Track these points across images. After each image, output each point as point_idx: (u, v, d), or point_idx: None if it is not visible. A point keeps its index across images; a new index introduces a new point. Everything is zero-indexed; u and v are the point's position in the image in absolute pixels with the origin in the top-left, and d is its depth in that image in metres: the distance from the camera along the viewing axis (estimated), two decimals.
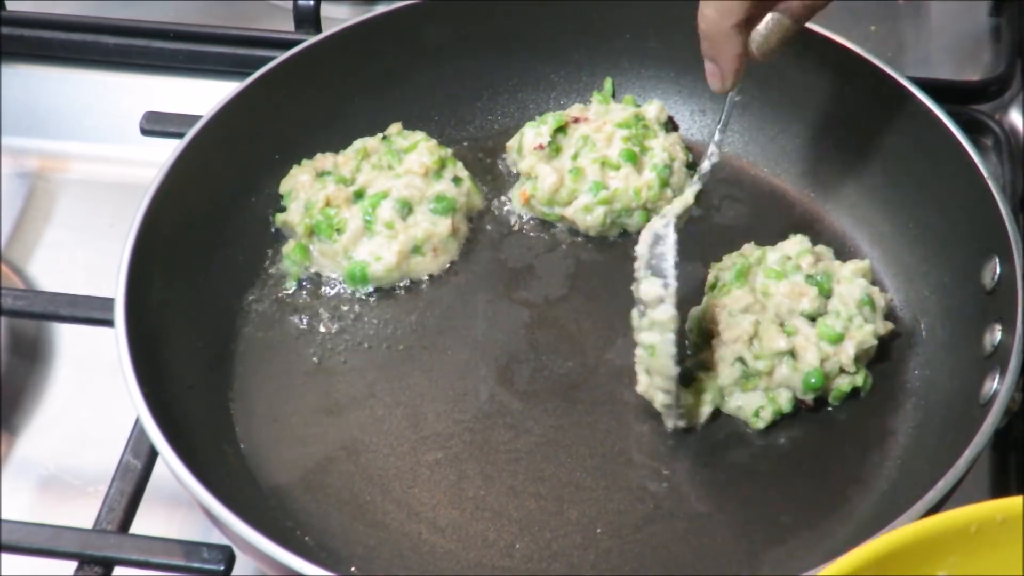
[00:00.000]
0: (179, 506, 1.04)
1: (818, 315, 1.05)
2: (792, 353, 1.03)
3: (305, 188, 1.16)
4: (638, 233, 1.17)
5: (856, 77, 1.14)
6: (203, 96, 1.22)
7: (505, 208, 1.20)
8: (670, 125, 1.23)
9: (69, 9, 1.37)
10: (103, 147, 1.33)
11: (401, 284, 1.15)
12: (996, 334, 1.00)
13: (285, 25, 1.35)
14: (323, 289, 1.14)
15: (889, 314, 1.09)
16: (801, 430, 1.04)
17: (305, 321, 1.12)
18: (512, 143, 1.22)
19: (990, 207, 1.03)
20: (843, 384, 1.04)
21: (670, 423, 1.03)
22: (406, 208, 1.15)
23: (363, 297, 1.14)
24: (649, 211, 1.17)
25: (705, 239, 1.16)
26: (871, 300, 1.06)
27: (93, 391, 1.15)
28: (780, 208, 1.19)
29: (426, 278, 1.15)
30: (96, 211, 1.29)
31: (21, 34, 1.34)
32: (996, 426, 0.92)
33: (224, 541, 0.95)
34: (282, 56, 1.17)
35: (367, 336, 1.12)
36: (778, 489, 1.01)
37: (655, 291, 1.00)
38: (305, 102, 1.19)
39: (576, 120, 1.20)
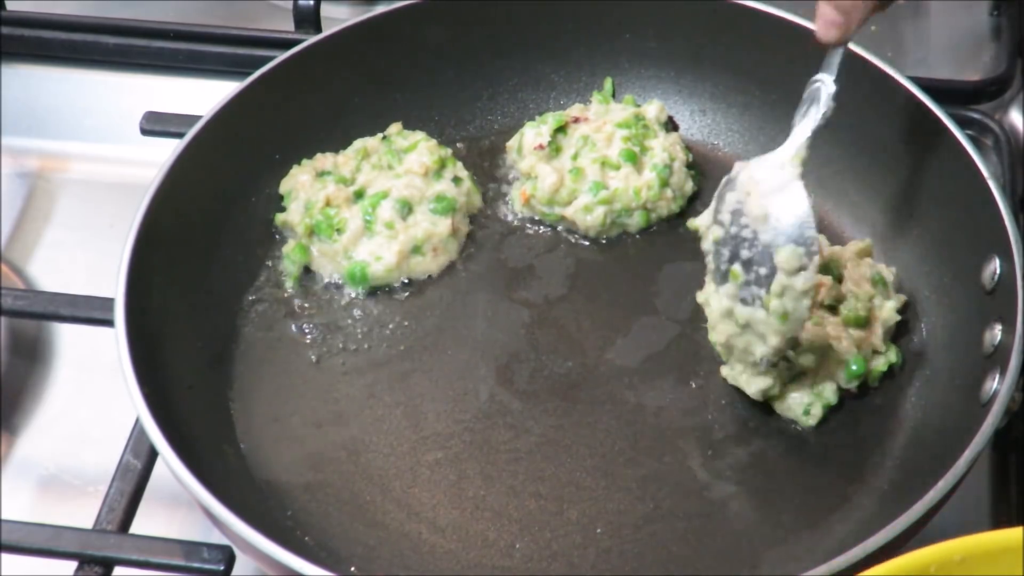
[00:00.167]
0: (179, 506, 1.04)
1: (837, 303, 1.05)
2: (829, 344, 1.03)
3: (305, 188, 1.16)
4: (638, 233, 1.18)
5: (856, 77, 1.14)
6: (203, 96, 1.22)
7: (505, 208, 1.20)
8: (670, 125, 1.23)
9: (69, 9, 1.37)
10: (103, 147, 1.33)
11: (401, 284, 1.15)
12: (996, 334, 0.99)
13: (285, 25, 1.35)
14: (323, 289, 1.14)
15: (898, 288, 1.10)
16: (801, 430, 1.04)
17: (305, 321, 1.12)
18: (512, 143, 1.22)
19: (990, 207, 1.03)
20: (879, 364, 1.04)
21: (756, 386, 1.02)
22: (406, 208, 1.15)
23: (363, 297, 1.14)
24: (649, 211, 1.17)
25: None
26: (881, 277, 1.06)
27: (93, 391, 1.15)
28: None
29: (426, 278, 1.15)
30: (96, 211, 1.29)
31: (21, 34, 1.34)
32: (996, 426, 0.92)
33: (224, 541, 0.95)
34: (282, 56, 1.17)
35: (367, 336, 1.12)
36: (778, 489, 1.01)
37: (796, 260, 0.96)
38: (305, 102, 1.19)
39: (576, 120, 1.20)
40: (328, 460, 1.04)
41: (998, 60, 1.32)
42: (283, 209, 1.17)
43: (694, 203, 1.19)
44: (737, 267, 0.99)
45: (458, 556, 0.98)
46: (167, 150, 1.10)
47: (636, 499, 1.00)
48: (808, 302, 0.97)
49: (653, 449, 1.03)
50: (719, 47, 1.21)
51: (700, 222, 1.03)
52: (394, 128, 1.21)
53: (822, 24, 0.93)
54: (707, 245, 1.02)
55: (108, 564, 0.95)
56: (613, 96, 1.25)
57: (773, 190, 0.97)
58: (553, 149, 1.18)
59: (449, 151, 1.20)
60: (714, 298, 1.02)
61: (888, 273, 1.08)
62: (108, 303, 1.01)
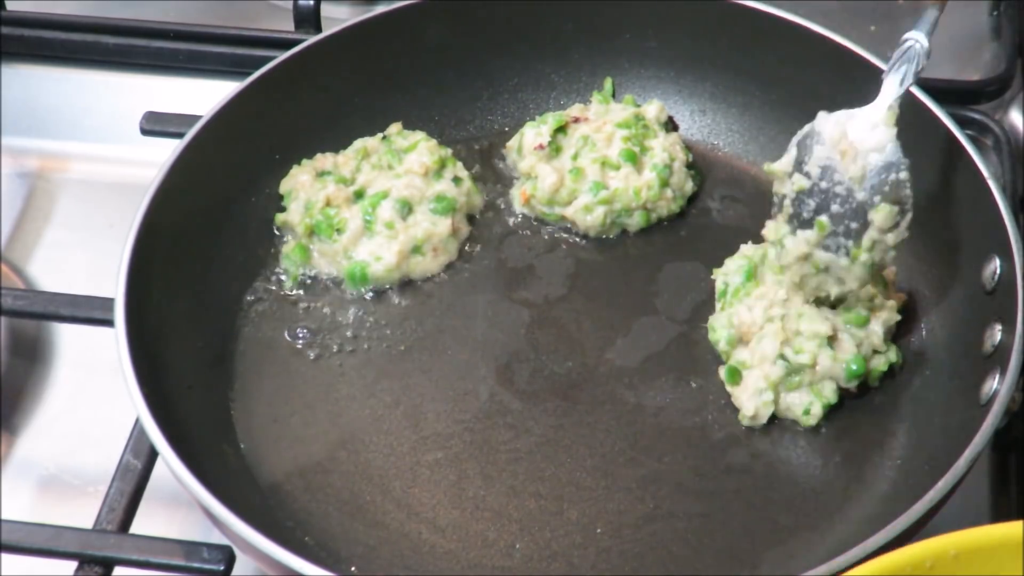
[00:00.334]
0: (179, 506, 1.04)
1: (838, 301, 1.05)
2: (829, 342, 1.03)
3: (305, 188, 1.16)
4: (638, 233, 1.18)
5: (856, 77, 1.14)
6: (203, 96, 1.22)
7: (505, 208, 1.20)
8: (670, 125, 1.23)
9: (69, 9, 1.37)
10: (103, 147, 1.33)
11: (401, 284, 1.15)
12: (996, 334, 1.00)
13: (285, 25, 1.35)
14: (323, 289, 1.14)
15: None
16: (800, 430, 1.04)
17: (305, 321, 1.12)
18: (512, 143, 1.22)
19: (990, 207, 1.03)
20: (879, 364, 1.04)
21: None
22: (406, 208, 1.15)
23: (363, 297, 1.14)
24: (649, 211, 1.17)
25: (705, 239, 1.16)
26: (881, 277, 1.06)
27: (93, 391, 1.15)
28: None
29: (426, 278, 1.15)
30: (96, 211, 1.29)
31: (21, 34, 1.34)
32: (996, 426, 0.92)
33: (224, 541, 0.95)
34: (282, 56, 1.17)
35: (367, 336, 1.12)
36: (778, 489, 1.01)
37: (892, 220, 0.99)
38: (305, 102, 1.19)
39: (576, 120, 1.20)
40: (328, 460, 1.04)
41: (998, 60, 1.32)
42: (283, 209, 1.17)
43: (694, 203, 1.19)
44: (824, 219, 1.01)
45: (458, 556, 0.98)
46: (167, 150, 1.10)
47: (636, 499, 1.00)
48: (894, 253, 1.00)
49: (653, 449, 1.03)
50: (719, 47, 1.21)
51: (779, 167, 1.04)
52: (394, 128, 1.21)
53: None
54: (785, 189, 1.03)
55: (108, 564, 0.95)
56: (613, 96, 1.25)
57: (869, 150, 1.00)
58: (553, 149, 1.18)
59: (449, 151, 1.20)
60: (790, 240, 1.02)
61: (888, 273, 1.08)
62: (108, 303, 1.01)
